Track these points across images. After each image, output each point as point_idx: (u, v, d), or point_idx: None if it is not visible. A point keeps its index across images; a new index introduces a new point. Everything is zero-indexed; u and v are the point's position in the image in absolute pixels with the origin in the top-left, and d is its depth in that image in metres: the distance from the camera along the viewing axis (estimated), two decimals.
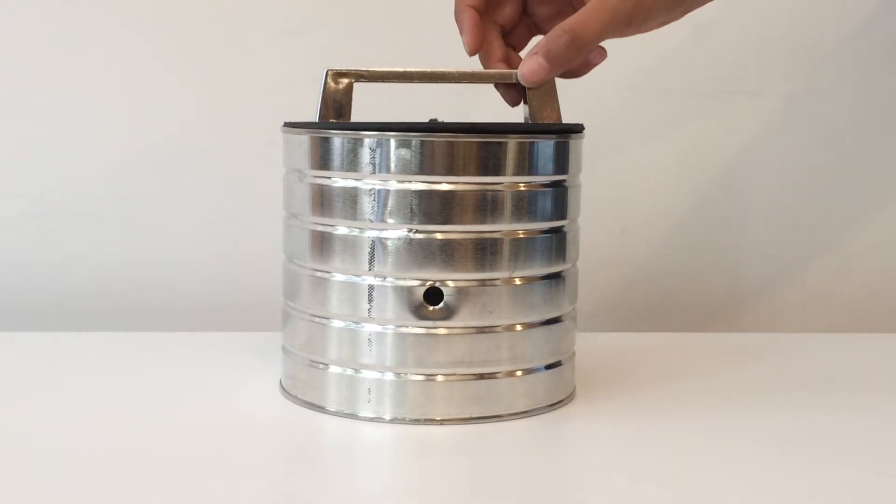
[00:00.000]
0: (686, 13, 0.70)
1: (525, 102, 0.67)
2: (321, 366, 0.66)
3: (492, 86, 0.69)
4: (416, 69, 0.67)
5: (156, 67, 0.93)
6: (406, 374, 0.63)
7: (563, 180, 0.66)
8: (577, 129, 0.67)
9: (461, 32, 0.69)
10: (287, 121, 0.67)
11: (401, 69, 0.67)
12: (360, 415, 0.64)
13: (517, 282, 0.64)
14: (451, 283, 0.63)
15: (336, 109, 0.66)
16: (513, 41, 0.72)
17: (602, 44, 0.70)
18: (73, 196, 0.94)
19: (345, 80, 0.66)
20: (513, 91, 0.68)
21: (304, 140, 0.65)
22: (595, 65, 0.69)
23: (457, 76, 0.67)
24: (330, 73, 0.66)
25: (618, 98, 0.95)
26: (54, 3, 0.91)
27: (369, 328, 0.64)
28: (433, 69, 0.67)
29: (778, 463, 0.59)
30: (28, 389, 0.70)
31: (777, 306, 0.99)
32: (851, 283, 0.99)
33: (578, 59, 0.65)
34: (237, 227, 0.95)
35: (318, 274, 0.65)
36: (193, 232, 0.95)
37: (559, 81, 0.68)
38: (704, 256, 0.98)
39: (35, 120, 0.93)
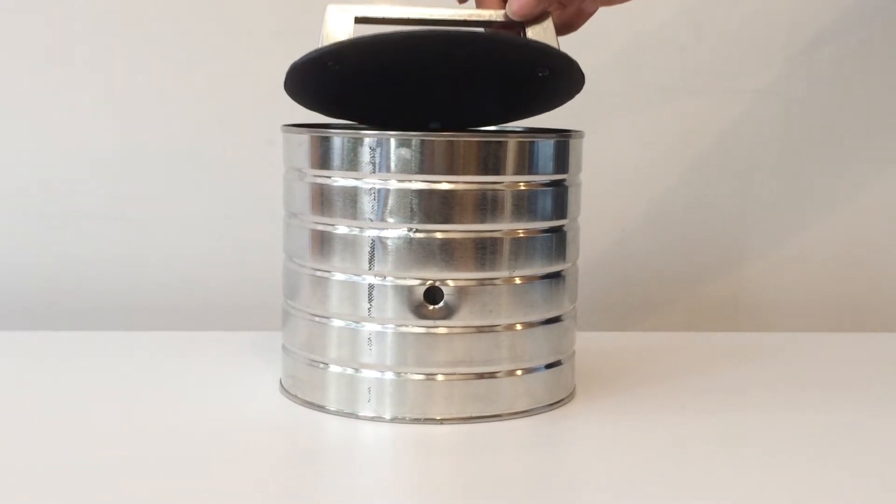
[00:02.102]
0: None
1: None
2: (321, 365, 0.66)
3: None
4: (415, 7, 0.65)
5: (155, 67, 0.93)
6: (406, 373, 0.63)
7: (563, 179, 0.66)
8: (580, 79, 0.66)
9: None
10: (286, 121, 0.67)
11: (402, 6, 0.65)
12: (360, 414, 0.64)
13: (517, 281, 0.64)
14: (451, 283, 0.63)
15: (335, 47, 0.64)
16: None
17: (601, 16, 0.69)
18: (73, 196, 0.94)
19: (346, 18, 0.64)
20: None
21: (304, 139, 0.65)
22: (589, 14, 0.69)
23: (457, 20, 0.65)
24: (331, 8, 0.65)
25: (618, 97, 0.95)
26: (54, 4, 0.91)
27: (369, 327, 0.64)
28: (429, 11, 0.65)
29: (777, 462, 0.59)
30: (28, 389, 0.70)
31: (777, 306, 0.99)
32: (851, 282, 0.99)
33: None
34: (237, 226, 0.95)
35: (319, 273, 0.65)
36: (194, 230, 0.95)
37: None
38: (704, 255, 0.98)
39: (35, 120, 0.93)
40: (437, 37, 0.63)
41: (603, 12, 0.71)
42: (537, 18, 0.66)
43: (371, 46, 0.62)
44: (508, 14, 0.65)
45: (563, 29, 0.69)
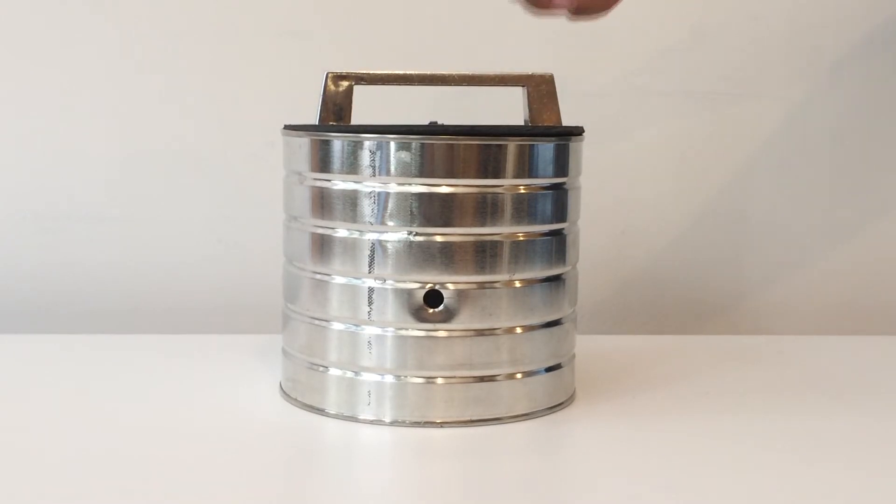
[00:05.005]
0: None
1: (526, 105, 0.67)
2: (321, 368, 0.66)
3: (492, 88, 0.69)
4: (416, 72, 0.67)
5: (156, 68, 0.93)
6: (406, 376, 0.63)
7: (563, 183, 0.66)
8: (577, 132, 0.67)
9: None
10: (287, 123, 0.67)
11: (401, 72, 0.67)
12: (360, 417, 0.64)
13: (517, 284, 0.64)
14: (451, 286, 0.63)
15: (336, 112, 0.66)
16: None
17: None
18: (72, 197, 0.94)
19: (345, 83, 0.66)
20: None
21: (304, 142, 0.65)
22: None
23: (456, 79, 0.67)
24: (330, 75, 0.66)
25: (617, 100, 0.95)
26: (54, 4, 0.91)
27: (369, 331, 0.64)
28: (433, 72, 0.67)
29: (777, 464, 0.59)
30: (27, 392, 0.70)
31: (776, 308, 0.99)
32: (851, 284, 0.99)
33: None
34: (237, 228, 0.95)
35: (319, 276, 0.65)
36: (193, 233, 0.95)
37: (559, 83, 0.68)
38: (704, 258, 0.98)
39: (35, 120, 0.93)
40: (440, 135, 0.64)
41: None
42: (538, 80, 0.66)
43: (372, 134, 0.63)
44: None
45: (588, 11, 0.63)
